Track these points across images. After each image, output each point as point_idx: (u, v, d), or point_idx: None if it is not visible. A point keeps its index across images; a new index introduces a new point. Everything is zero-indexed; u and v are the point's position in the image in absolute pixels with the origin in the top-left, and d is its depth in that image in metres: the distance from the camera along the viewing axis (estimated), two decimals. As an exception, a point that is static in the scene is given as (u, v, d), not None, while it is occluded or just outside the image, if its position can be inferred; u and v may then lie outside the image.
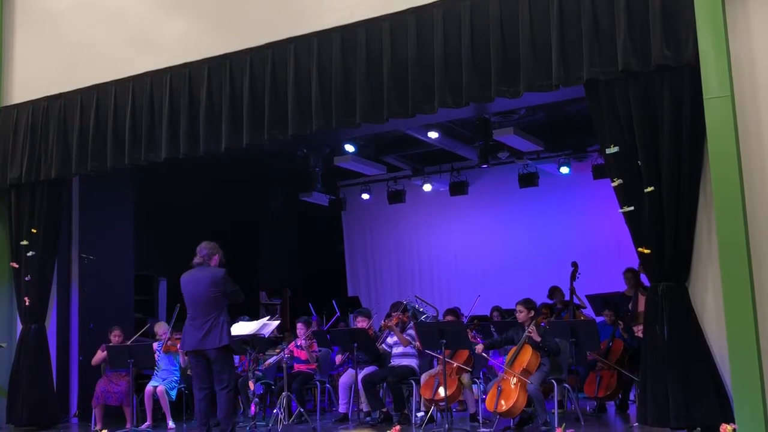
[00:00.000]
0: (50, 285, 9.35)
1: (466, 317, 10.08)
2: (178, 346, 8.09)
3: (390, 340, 8.61)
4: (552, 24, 6.48)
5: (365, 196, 14.52)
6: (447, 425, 7.14)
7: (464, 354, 7.89)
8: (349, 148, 12.43)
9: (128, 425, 8.30)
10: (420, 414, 8.01)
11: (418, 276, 14.63)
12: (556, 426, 6.95)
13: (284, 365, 8.54)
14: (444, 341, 7.26)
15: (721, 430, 5.51)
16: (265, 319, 8.25)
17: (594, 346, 8.23)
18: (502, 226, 13.72)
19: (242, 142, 7.81)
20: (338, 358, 9.17)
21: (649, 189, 6.10)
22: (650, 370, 6.07)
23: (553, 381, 7.60)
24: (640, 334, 6.73)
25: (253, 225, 14.29)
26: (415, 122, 10.08)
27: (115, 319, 9.40)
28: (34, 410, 8.92)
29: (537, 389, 7.23)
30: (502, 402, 7.20)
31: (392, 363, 8.47)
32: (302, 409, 8.39)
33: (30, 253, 9.14)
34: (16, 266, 9.30)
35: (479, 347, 7.69)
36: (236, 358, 9.03)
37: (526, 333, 7.49)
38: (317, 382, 9.06)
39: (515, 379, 7.25)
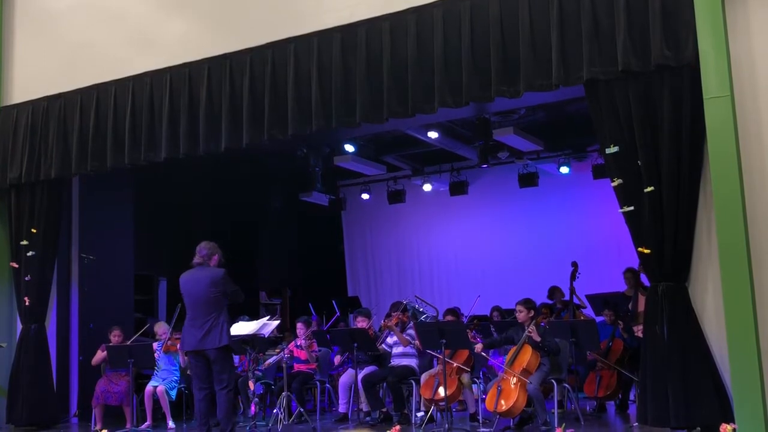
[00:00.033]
0: (50, 285, 9.35)
1: (466, 317, 10.08)
2: (178, 346, 8.09)
3: (390, 340, 8.61)
4: (552, 24, 6.48)
5: (365, 196, 14.51)
6: (447, 425, 7.14)
7: (464, 354, 7.89)
8: (349, 148, 12.42)
9: (128, 425, 8.29)
10: (420, 414, 8.01)
11: (418, 276, 14.63)
12: (556, 426, 6.95)
13: (284, 365, 8.54)
14: (444, 341, 7.26)
15: (721, 429, 5.51)
16: (264, 319, 8.25)
17: (594, 346, 8.23)
18: (502, 226, 13.72)
19: (242, 142, 7.81)
20: (337, 359, 9.17)
21: (649, 189, 6.10)
22: (650, 369, 6.07)
23: (553, 381, 7.60)
24: (640, 334, 6.72)
25: (253, 225, 14.29)
26: (415, 122, 10.08)
27: (115, 319, 9.40)
28: (34, 410, 8.92)
29: (537, 389, 7.23)
30: (502, 402, 7.20)
31: (392, 363, 8.47)
32: (302, 409, 8.39)
33: (30, 253, 9.14)
34: (16, 266, 9.29)
35: (478, 346, 7.69)
36: (236, 358, 9.05)
37: (526, 333, 7.49)
38: (317, 382, 9.06)
39: (515, 379, 7.26)
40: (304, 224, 15.02)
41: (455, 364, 7.80)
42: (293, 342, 9.21)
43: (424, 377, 7.94)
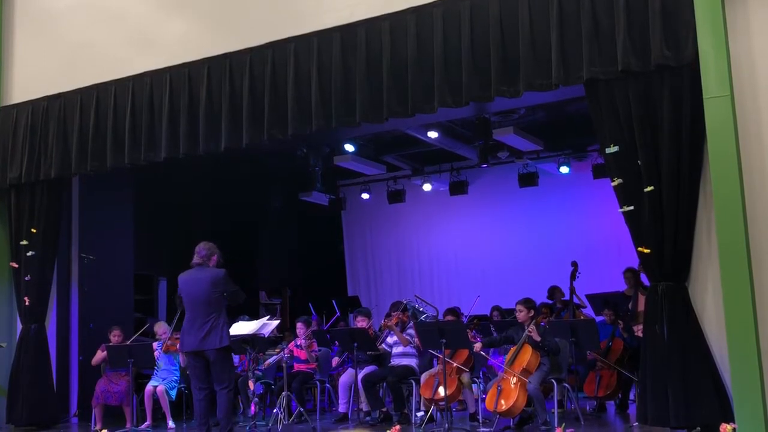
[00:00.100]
0: (50, 285, 9.35)
1: (466, 317, 10.08)
2: (178, 345, 8.09)
3: (390, 339, 8.61)
4: (552, 24, 6.48)
5: (365, 196, 14.51)
6: (447, 425, 7.13)
7: (464, 354, 7.89)
8: (349, 147, 12.42)
9: (128, 425, 8.29)
10: (420, 414, 8.01)
11: (418, 276, 14.63)
12: (555, 425, 6.95)
13: (284, 365, 8.54)
14: (444, 341, 7.26)
15: (720, 429, 5.50)
16: (264, 319, 8.25)
17: (594, 346, 8.23)
18: (502, 226, 13.73)
19: (242, 142, 7.81)
20: (335, 361, 9.17)
21: (649, 188, 6.10)
22: (650, 369, 6.07)
23: (553, 380, 7.60)
24: (640, 334, 6.73)
25: (253, 225, 14.29)
26: (415, 122, 10.08)
27: (115, 319, 9.40)
28: (34, 410, 8.92)
29: (537, 389, 7.23)
30: (502, 401, 7.20)
31: (392, 363, 8.47)
32: (302, 409, 8.39)
33: (30, 253, 9.14)
34: (16, 266, 9.30)
35: (477, 345, 7.69)
36: (236, 358, 9.05)
37: (525, 332, 7.49)
38: (317, 382, 9.06)
39: (515, 378, 7.26)
40: (304, 224, 15.02)
41: (455, 364, 7.80)
42: (293, 342, 9.22)
43: (424, 377, 7.94)
